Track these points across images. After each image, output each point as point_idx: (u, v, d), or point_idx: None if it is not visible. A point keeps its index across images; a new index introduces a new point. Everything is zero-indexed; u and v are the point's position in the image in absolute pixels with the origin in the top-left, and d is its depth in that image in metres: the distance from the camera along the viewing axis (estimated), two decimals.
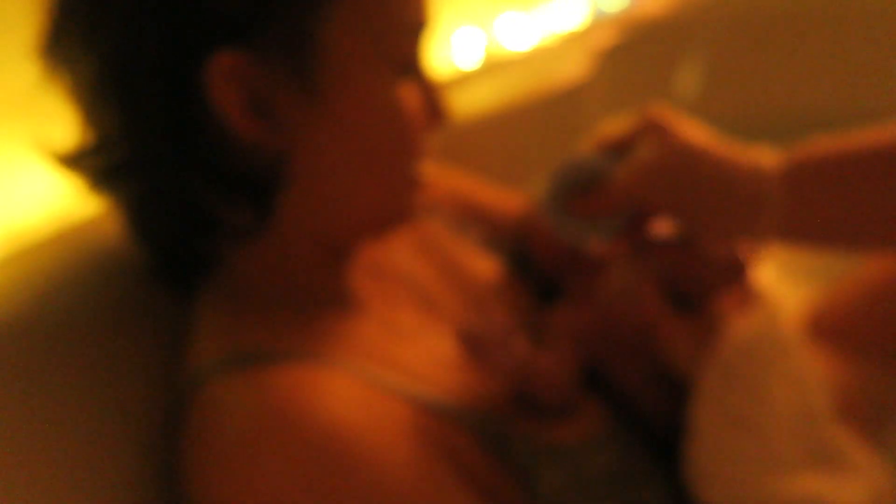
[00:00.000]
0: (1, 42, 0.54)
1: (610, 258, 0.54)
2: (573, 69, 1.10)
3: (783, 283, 1.16)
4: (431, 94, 0.47)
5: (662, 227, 0.53)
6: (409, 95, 0.44)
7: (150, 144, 0.41)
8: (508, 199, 0.68)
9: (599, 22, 1.30)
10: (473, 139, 0.86)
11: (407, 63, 0.44)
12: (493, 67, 1.06)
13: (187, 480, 0.42)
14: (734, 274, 0.53)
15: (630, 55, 1.26)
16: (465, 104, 0.90)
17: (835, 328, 0.73)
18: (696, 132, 0.48)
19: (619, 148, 0.50)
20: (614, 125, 0.52)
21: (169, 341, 0.50)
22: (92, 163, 0.43)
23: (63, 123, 0.43)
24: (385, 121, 0.43)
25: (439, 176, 0.67)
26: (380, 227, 0.49)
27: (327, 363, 0.43)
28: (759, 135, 1.33)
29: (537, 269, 0.59)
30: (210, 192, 0.42)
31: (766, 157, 0.47)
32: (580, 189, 0.50)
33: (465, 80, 1.00)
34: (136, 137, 0.41)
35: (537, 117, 0.99)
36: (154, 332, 0.51)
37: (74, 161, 0.43)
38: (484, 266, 0.59)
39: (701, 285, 0.52)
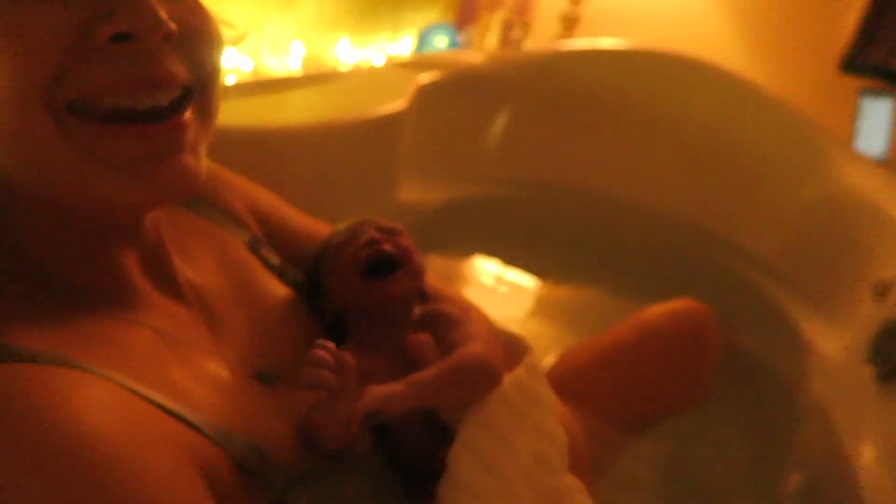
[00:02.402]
0: None
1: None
2: (394, 98, 1.14)
3: (544, 327, 1.31)
4: None
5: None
6: (39, 11, 0.35)
7: None
8: (305, 224, 0.68)
9: (424, 58, 1.36)
10: (288, 148, 0.85)
11: None
12: (318, 78, 1.06)
13: None
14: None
15: (445, 95, 1.34)
16: (283, 111, 0.88)
17: (568, 382, 0.84)
18: None
19: None
20: None
21: None
22: None
23: None
24: None
25: (242, 187, 0.65)
26: (79, 187, 0.40)
27: (84, 371, 0.39)
28: (536, 192, 1.50)
29: (327, 302, 0.61)
30: None
31: None
32: None
33: (285, 84, 0.97)
34: None
35: (353, 136, 1.01)
36: None
37: None
38: (273, 289, 0.59)
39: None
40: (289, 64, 1.18)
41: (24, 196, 0.41)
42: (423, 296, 0.61)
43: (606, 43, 1.64)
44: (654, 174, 1.52)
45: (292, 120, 0.87)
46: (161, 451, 0.38)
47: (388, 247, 0.58)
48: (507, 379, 0.57)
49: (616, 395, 0.88)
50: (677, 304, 1.02)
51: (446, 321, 0.59)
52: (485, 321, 0.63)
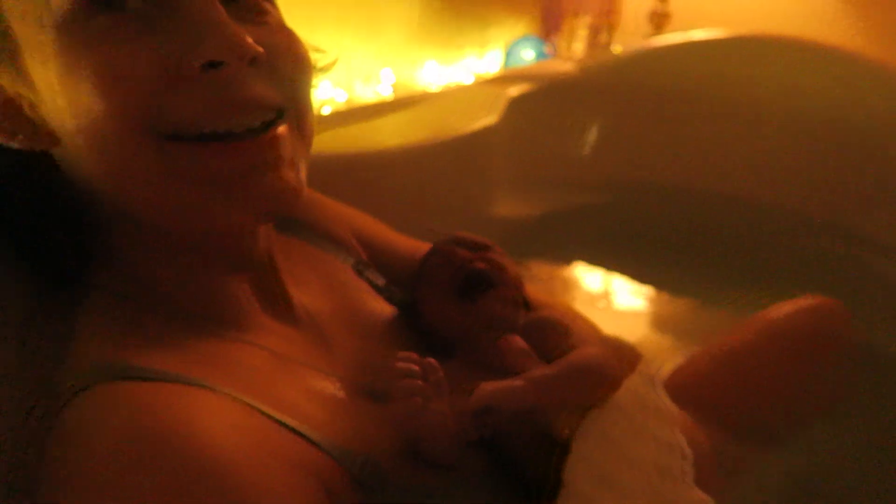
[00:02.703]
0: None
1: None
2: (485, 114, 1.14)
3: (659, 336, 1.25)
4: (194, 29, 0.38)
5: None
6: (120, 31, 0.37)
7: None
8: (408, 245, 0.69)
9: (512, 72, 1.35)
10: (383, 171, 0.87)
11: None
12: (409, 101, 1.08)
13: (51, 491, 0.38)
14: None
15: (536, 106, 1.32)
16: (377, 136, 0.90)
17: (690, 392, 0.79)
18: None
19: None
20: None
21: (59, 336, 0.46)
22: None
23: None
24: (87, 79, 0.36)
25: (346, 214, 0.67)
26: (191, 211, 0.42)
27: (207, 389, 0.41)
28: (636, 195, 1.44)
29: (425, 315, 0.61)
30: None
31: None
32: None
33: (378, 109, 1.00)
34: None
35: (445, 155, 1.02)
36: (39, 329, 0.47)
37: None
38: (380, 309, 0.60)
39: None
40: (380, 91, 1.21)
41: (141, 225, 0.44)
42: (527, 305, 0.60)
43: (701, 35, 1.58)
44: (766, 166, 1.43)
45: (387, 144, 0.90)
46: (285, 467, 0.39)
47: (480, 264, 0.58)
48: (623, 388, 0.55)
49: (742, 403, 0.82)
50: (805, 302, 0.94)
51: (553, 327, 0.57)
52: (592, 328, 0.61)
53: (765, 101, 1.44)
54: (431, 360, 0.46)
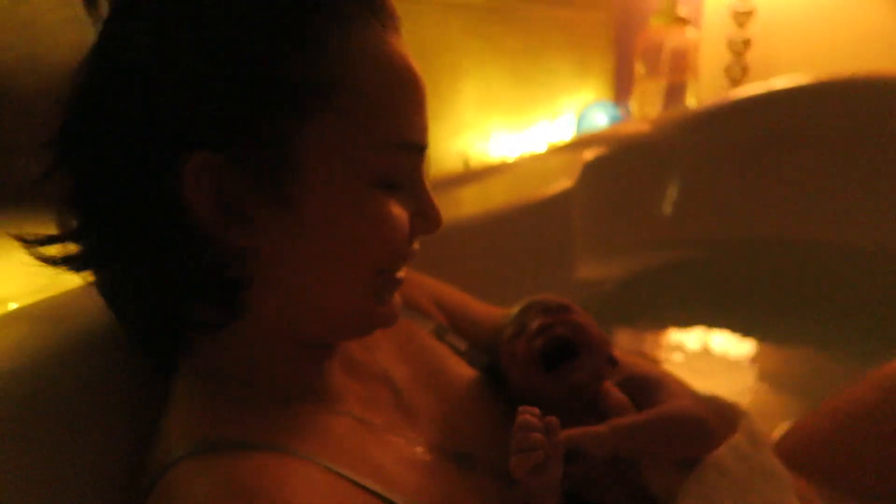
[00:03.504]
0: None
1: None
2: (561, 178, 1.14)
3: (769, 395, 1.16)
4: (422, 204, 0.48)
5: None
6: (394, 206, 0.45)
7: (120, 235, 0.42)
8: (488, 311, 0.69)
9: (586, 137, 1.36)
10: (462, 240, 0.88)
11: (392, 179, 0.45)
12: (484, 173, 1.10)
13: None
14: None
15: (614, 168, 1.32)
16: (455, 207, 0.92)
17: (805, 455, 0.73)
18: None
19: None
20: None
21: (152, 418, 0.49)
22: (66, 251, 0.44)
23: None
24: (358, 228, 0.44)
25: (425, 283, 0.68)
26: (355, 328, 0.49)
27: (295, 456, 0.42)
28: (722, 251, 1.38)
29: (509, 383, 0.59)
30: (178, 284, 0.43)
31: None
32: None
33: (454, 182, 1.03)
34: (108, 227, 0.42)
35: (525, 221, 1.02)
36: (136, 408, 0.50)
37: (47, 245, 0.44)
38: (461, 373, 0.59)
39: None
40: (456, 166, 1.25)
41: (287, 335, 0.47)
42: (613, 362, 0.57)
43: (781, 83, 1.54)
44: (860, 209, 1.35)
45: (465, 213, 0.91)
46: None
47: (559, 330, 0.55)
48: (725, 447, 0.51)
49: (863, 465, 0.74)
50: None
51: (647, 384, 0.55)
52: (685, 386, 0.58)
53: (853, 144, 1.38)
54: (553, 418, 0.45)
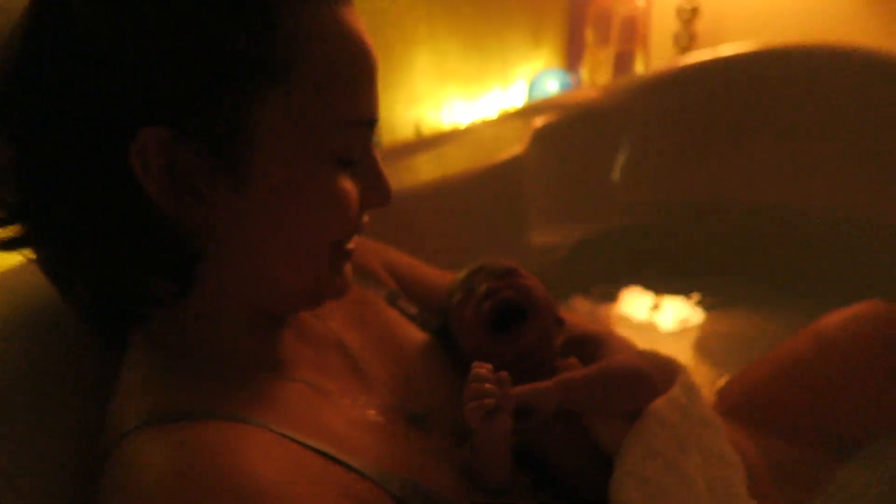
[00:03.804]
0: None
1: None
2: (512, 145, 1.15)
3: (714, 354, 1.21)
4: (373, 177, 0.48)
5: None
6: (346, 181, 0.46)
7: (67, 213, 0.41)
8: (439, 276, 0.70)
9: (536, 104, 1.37)
10: (416, 208, 0.88)
11: (344, 154, 0.45)
12: (436, 140, 1.10)
13: None
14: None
15: (564, 135, 1.33)
16: (408, 175, 0.92)
17: (742, 405, 0.77)
18: None
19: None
20: None
21: (101, 391, 0.49)
22: (8, 225, 0.43)
23: None
24: (312, 203, 0.44)
25: (377, 249, 0.69)
26: (308, 300, 0.50)
27: (248, 423, 0.43)
28: (673, 216, 1.42)
29: (460, 346, 0.60)
30: (130, 260, 0.43)
31: None
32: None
33: (407, 150, 1.03)
34: (53, 205, 0.41)
35: (477, 188, 1.03)
36: (84, 382, 0.50)
37: None
38: (413, 336, 0.60)
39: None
40: (409, 135, 1.25)
41: (240, 306, 0.48)
42: (560, 323, 0.59)
43: (728, 50, 1.57)
44: (804, 173, 1.40)
45: (416, 181, 0.92)
46: (326, 494, 0.40)
47: (508, 293, 0.57)
48: (664, 400, 0.54)
49: (802, 414, 0.79)
50: (860, 307, 0.90)
51: (590, 342, 0.57)
52: (629, 344, 0.61)
53: (797, 109, 1.42)
54: (504, 372, 0.47)
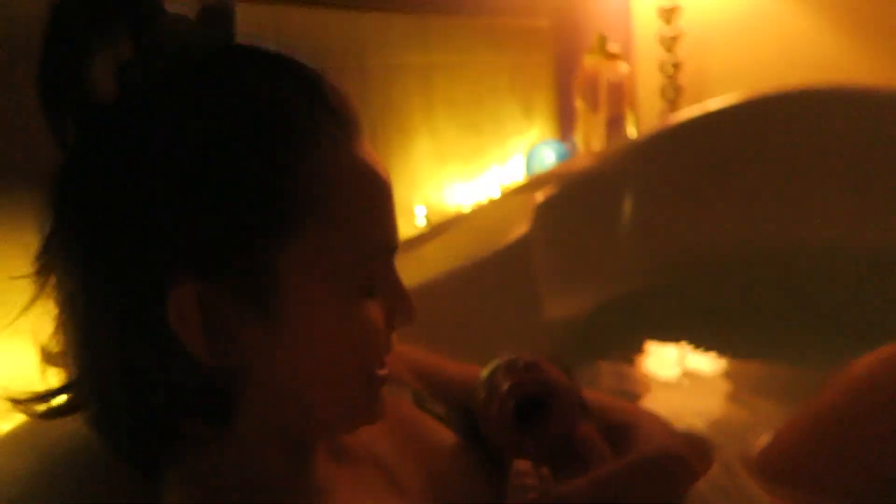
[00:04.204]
0: None
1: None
2: (516, 223, 1.17)
3: (748, 410, 1.18)
4: (398, 300, 0.49)
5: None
6: (373, 308, 0.46)
7: (105, 362, 0.42)
8: (463, 370, 0.70)
9: (536, 178, 1.40)
10: (429, 301, 0.89)
11: (370, 283, 0.46)
12: (441, 228, 1.12)
13: None
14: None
15: (567, 205, 1.36)
16: (417, 267, 0.94)
17: (785, 469, 0.75)
18: None
19: None
20: None
21: None
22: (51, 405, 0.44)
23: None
24: (342, 338, 0.45)
25: (399, 350, 0.69)
26: (345, 427, 0.50)
27: None
28: (682, 268, 1.42)
29: (490, 445, 0.61)
30: (166, 405, 0.43)
31: None
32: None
33: (414, 242, 1.05)
34: (92, 354, 0.42)
35: (487, 273, 1.04)
36: None
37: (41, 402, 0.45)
38: (443, 438, 0.60)
39: None
40: (417, 224, 1.27)
41: (275, 438, 0.48)
42: (585, 407, 0.59)
43: (716, 103, 1.61)
44: (810, 213, 1.41)
45: (427, 276, 0.93)
46: None
47: (529, 388, 0.58)
48: (704, 482, 0.53)
49: (842, 468, 0.76)
50: (889, 350, 0.89)
51: (620, 428, 0.57)
52: (660, 423, 0.60)
53: (790, 150, 1.45)
54: (545, 469, 0.48)
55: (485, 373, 0.63)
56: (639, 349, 1.33)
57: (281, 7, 1.11)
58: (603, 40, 1.79)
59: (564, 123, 2.01)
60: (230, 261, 0.41)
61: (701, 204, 1.51)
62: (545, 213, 1.23)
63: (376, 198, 0.46)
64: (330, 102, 0.44)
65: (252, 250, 0.41)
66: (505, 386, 0.59)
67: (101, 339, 0.42)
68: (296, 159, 0.42)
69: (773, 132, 1.50)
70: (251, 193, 0.40)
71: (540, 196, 1.27)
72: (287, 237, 0.42)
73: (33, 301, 0.44)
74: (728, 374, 1.26)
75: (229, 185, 0.40)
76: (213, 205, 0.40)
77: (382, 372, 0.49)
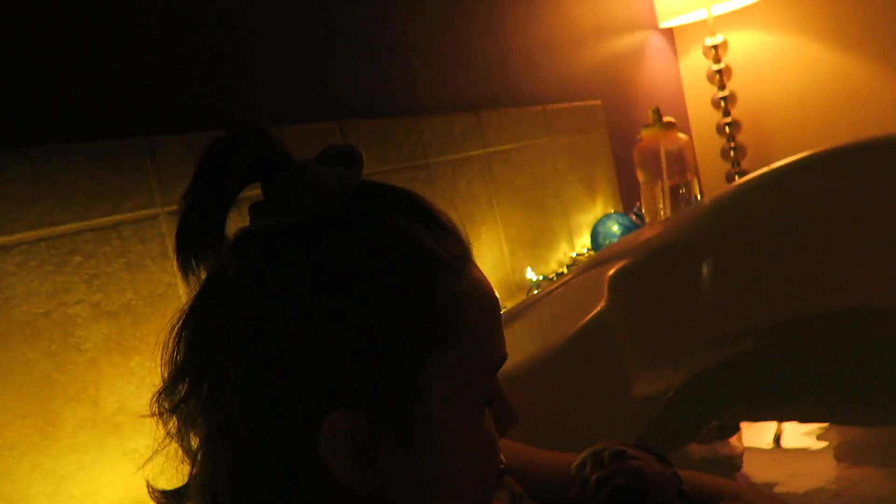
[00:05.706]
0: None
1: None
2: (593, 301, 1.17)
3: (856, 478, 1.11)
4: (503, 408, 0.50)
5: None
6: (490, 421, 0.48)
7: (256, 488, 0.44)
8: (556, 460, 0.70)
9: (605, 252, 1.41)
10: (518, 389, 0.90)
11: (489, 397, 0.48)
12: (518, 313, 1.13)
13: None
14: None
15: (640, 277, 1.34)
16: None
17: None
18: None
19: None
20: None
21: None
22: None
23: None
24: (475, 451, 0.47)
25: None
26: None
27: None
28: (770, 337, 1.37)
29: None
30: None
31: None
32: None
33: None
34: (244, 480, 0.44)
35: (570, 355, 1.04)
36: None
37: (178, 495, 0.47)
38: None
39: None
40: None
41: None
42: (685, 495, 0.58)
43: (780, 163, 1.59)
44: (889, 270, 1.35)
45: (512, 362, 0.94)
46: None
47: (619, 479, 0.57)
48: None
49: None
50: None
51: None
52: (769, 496, 0.58)
53: (863, 207, 1.41)
54: None
55: (575, 466, 0.63)
56: (733, 420, 1.27)
57: (350, 122, 1.20)
58: (658, 113, 1.82)
59: (627, 196, 2.02)
60: (377, 391, 0.43)
61: (778, 264, 1.47)
62: (620, 285, 1.23)
63: (493, 314, 0.48)
64: (452, 231, 0.47)
65: (397, 378, 0.43)
66: (593, 479, 0.58)
67: (254, 469, 0.44)
68: (434, 292, 0.44)
69: (852, 184, 1.47)
70: (395, 329, 0.43)
71: (613, 269, 1.27)
72: (428, 362, 0.44)
73: (165, 443, 0.46)
74: (829, 442, 1.19)
75: (381, 323, 0.43)
76: (367, 343, 0.42)
77: (499, 478, 0.50)
